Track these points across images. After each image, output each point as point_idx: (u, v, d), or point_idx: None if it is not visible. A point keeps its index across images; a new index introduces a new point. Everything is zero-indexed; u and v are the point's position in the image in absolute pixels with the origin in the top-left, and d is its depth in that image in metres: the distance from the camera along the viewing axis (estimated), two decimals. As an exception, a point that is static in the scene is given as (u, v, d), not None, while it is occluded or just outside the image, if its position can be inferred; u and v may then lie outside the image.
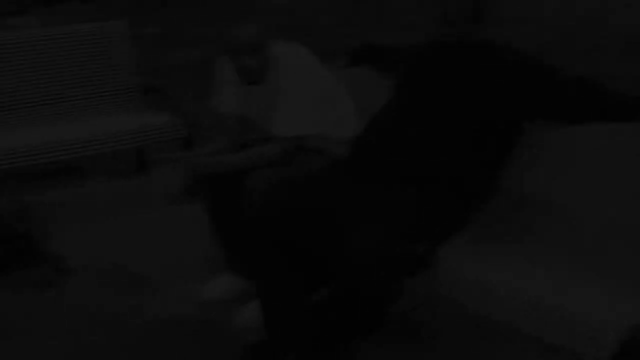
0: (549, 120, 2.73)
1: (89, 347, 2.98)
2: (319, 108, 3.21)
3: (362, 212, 2.61)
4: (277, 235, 2.69)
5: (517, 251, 2.57)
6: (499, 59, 2.79)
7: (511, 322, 2.34)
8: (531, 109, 2.72)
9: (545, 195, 2.71)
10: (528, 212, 2.72)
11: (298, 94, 3.17)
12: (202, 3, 11.30)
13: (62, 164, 4.43)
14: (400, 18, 9.07)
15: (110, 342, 3.01)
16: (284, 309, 2.72)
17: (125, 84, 4.68)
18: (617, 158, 2.58)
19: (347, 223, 2.56)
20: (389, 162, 2.76)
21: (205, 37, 8.34)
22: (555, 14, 9.49)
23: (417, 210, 2.60)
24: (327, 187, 2.80)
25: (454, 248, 2.60)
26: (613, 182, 2.56)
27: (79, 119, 4.47)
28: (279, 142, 3.16)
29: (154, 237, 3.90)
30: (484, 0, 2.85)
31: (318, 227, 2.67)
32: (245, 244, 2.91)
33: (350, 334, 2.65)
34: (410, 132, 2.78)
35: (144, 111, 4.64)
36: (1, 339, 3.05)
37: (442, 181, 2.68)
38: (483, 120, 2.71)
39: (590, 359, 2.13)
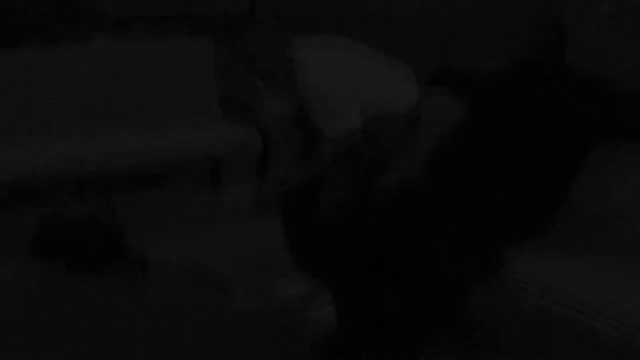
0: (617, 139, 2.99)
1: (167, 336, 3.27)
2: (361, 92, 3.38)
3: (440, 226, 2.88)
4: (357, 243, 2.96)
5: (578, 260, 2.85)
6: (571, 82, 3.07)
7: (586, 325, 2.59)
8: (600, 130, 2.97)
9: (608, 210, 2.96)
10: (587, 224, 2.99)
11: (333, 91, 3.33)
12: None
13: (145, 172, 4.81)
14: (479, 43, 9.33)
15: (188, 333, 3.29)
16: (360, 310, 2.97)
17: (208, 98, 5.01)
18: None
19: (427, 236, 2.84)
20: (462, 182, 3.04)
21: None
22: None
23: (489, 223, 2.88)
24: (410, 202, 3.05)
25: (521, 255, 2.86)
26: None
27: (164, 128, 4.77)
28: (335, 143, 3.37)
29: (232, 242, 4.21)
30: (561, 32, 3.14)
31: (399, 239, 2.92)
32: (322, 251, 3.20)
33: (419, 336, 2.92)
34: (481, 156, 3.07)
35: (225, 123, 4.95)
36: (84, 325, 3.36)
37: (508, 201, 2.95)
38: (551, 145, 2.98)
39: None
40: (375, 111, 3.40)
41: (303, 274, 3.60)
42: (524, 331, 3.24)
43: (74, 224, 3.86)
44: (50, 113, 4.61)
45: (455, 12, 11.20)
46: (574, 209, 3.04)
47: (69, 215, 3.89)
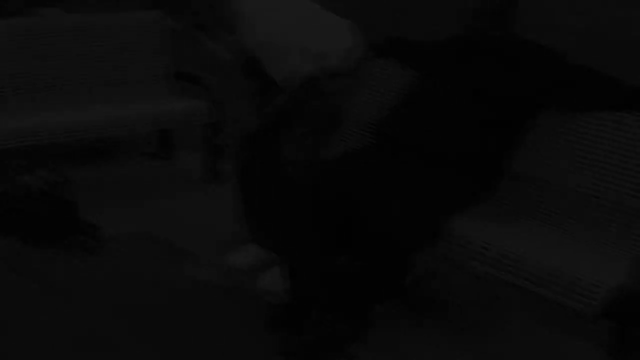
0: (561, 108, 3.13)
1: (125, 306, 3.35)
2: (304, 39, 3.42)
3: (391, 187, 3.01)
4: (312, 203, 3.07)
5: (519, 224, 3.02)
6: (519, 53, 3.21)
7: (515, 283, 2.73)
8: (547, 98, 3.12)
9: (544, 175, 3.13)
10: (529, 191, 3.15)
11: (280, 42, 3.38)
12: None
13: (94, 144, 4.84)
14: (425, 12, 9.48)
15: (145, 302, 3.38)
16: (311, 270, 3.08)
17: (157, 71, 5.06)
18: (613, 144, 2.99)
19: (377, 196, 2.95)
20: (413, 144, 3.17)
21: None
22: (579, 21, 9.84)
23: (440, 188, 3.01)
24: (360, 166, 3.18)
25: (467, 221, 2.99)
26: (607, 164, 2.98)
27: (112, 102, 4.82)
28: (288, 91, 3.40)
29: (184, 213, 4.30)
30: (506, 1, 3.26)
31: (352, 199, 3.01)
32: (275, 209, 3.33)
33: (369, 300, 3.03)
34: (433, 118, 3.19)
35: (174, 96, 5.01)
36: (44, 297, 3.42)
37: (460, 161, 3.08)
38: (500, 108, 3.12)
39: (582, 312, 2.53)
40: (323, 62, 3.46)
41: (254, 245, 3.71)
42: (468, 294, 3.40)
43: (27, 198, 3.92)
44: (1, 86, 4.65)
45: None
46: (517, 176, 3.19)
47: (22, 189, 3.94)
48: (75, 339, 3.10)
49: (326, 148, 3.55)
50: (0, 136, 4.23)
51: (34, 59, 4.74)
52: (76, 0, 6.83)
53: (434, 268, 3.40)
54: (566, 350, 3.08)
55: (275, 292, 3.27)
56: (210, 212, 4.25)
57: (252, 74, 3.59)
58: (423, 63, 3.51)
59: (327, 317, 2.98)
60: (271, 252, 3.58)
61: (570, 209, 3.02)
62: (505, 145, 3.18)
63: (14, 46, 4.69)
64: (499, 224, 3.00)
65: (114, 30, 5.01)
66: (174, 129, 5.12)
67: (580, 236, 2.94)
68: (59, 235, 3.86)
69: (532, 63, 3.18)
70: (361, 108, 3.77)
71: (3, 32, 4.68)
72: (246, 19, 3.38)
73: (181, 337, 3.12)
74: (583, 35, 8.81)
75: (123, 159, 5.22)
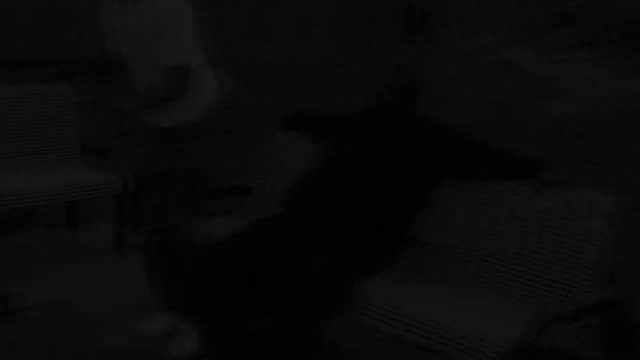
0: (459, 179, 3.41)
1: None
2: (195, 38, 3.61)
3: (305, 250, 3.19)
4: (228, 267, 3.22)
5: (425, 287, 3.23)
6: (422, 127, 3.51)
7: (419, 341, 2.92)
8: (447, 169, 3.40)
9: (445, 240, 3.39)
10: (436, 256, 3.40)
11: (179, 22, 3.57)
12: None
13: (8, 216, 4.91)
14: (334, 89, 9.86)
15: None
16: (228, 333, 3.21)
17: (66, 143, 5.15)
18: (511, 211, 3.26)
19: (292, 259, 3.13)
20: (321, 211, 3.38)
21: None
22: (477, 97, 10.38)
23: (348, 252, 3.21)
24: (271, 232, 3.36)
25: (377, 284, 3.18)
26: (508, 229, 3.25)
27: (19, 173, 4.86)
28: (168, 77, 3.56)
29: (93, 282, 4.34)
30: (414, 79, 3.57)
31: (266, 262, 3.19)
32: (190, 280, 3.46)
33: (286, 357, 3.17)
34: (341, 186, 3.42)
35: (81, 168, 5.09)
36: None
37: (366, 227, 3.30)
38: (404, 179, 3.38)
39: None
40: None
41: (166, 312, 3.80)
42: (372, 352, 3.58)
43: None
44: None
45: (313, 60, 11.72)
46: (424, 242, 3.43)
47: None
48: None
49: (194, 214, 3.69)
50: None
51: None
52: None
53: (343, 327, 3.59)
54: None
55: (186, 358, 3.38)
56: (120, 281, 4.31)
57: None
58: (331, 135, 3.74)
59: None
60: (183, 318, 3.69)
61: (475, 274, 3.27)
62: (409, 213, 3.41)
63: None
64: (401, 287, 3.19)
65: (23, 103, 5.08)
66: (82, 201, 5.19)
67: (484, 298, 3.16)
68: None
69: (433, 136, 3.47)
70: (272, 179, 3.97)
71: None
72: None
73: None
74: (482, 110, 9.33)
75: (33, 229, 5.25)
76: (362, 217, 3.33)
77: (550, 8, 15.60)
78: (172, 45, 3.55)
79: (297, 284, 3.04)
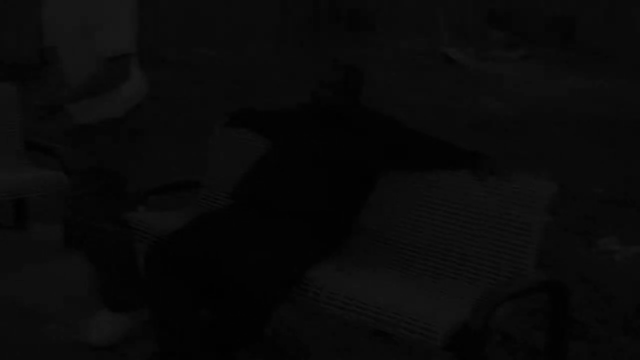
0: (400, 170, 3.56)
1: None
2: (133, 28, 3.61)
3: (248, 241, 3.32)
4: (176, 260, 3.31)
5: (370, 275, 3.37)
6: (361, 120, 3.63)
7: (367, 324, 3.05)
8: (389, 162, 3.55)
9: (384, 229, 3.55)
10: (379, 245, 3.55)
11: (119, 11, 3.54)
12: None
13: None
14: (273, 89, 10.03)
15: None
16: (179, 324, 3.29)
17: (10, 141, 5.17)
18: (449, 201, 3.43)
19: (236, 249, 3.25)
20: (266, 204, 3.50)
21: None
22: (411, 95, 10.62)
23: (293, 242, 3.33)
24: (217, 224, 3.47)
25: (320, 271, 3.31)
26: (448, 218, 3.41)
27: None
28: (105, 67, 3.53)
29: (42, 279, 4.42)
30: (347, 72, 3.69)
31: (212, 253, 3.31)
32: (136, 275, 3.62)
33: (232, 347, 3.29)
34: (285, 180, 3.53)
35: (27, 167, 5.12)
36: None
37: (309, 219, 3.42)
38: (344, 171, 3.52)
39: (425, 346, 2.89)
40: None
41: (112, 310, 3.85)
42: (322, 335, 3.73)
43: None
44: None
45: (251, 62, 11.85)
46: (359, 231, 3.59)
47: None
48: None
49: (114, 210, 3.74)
50: None
51: None
52: None
53: (294, 319, 3.72)
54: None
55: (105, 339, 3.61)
56: (70, 277, 4.38)
57: None
58: (273, 131, 3.87)
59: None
60: (127, 313, 3.77)
61: (419, 262, 3.43)
62: (347, 205, 3.56)
63: None
64: (347, 274, 3.34)
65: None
66: (28, 199, 5.22)
67: (429, 285, 3.31)
68: None
69: (372, 129, 3.60)
70: (216, 174, 4.08)
71: None
72: None
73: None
74: (416, 107, 9.58)
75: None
76: (299, 210, 3.46)
77: (486, 7, 16.02)
78: (113, 35, 3.54)
79: (242, 275, 3.14)
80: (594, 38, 15.87)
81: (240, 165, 3.86)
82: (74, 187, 3.72)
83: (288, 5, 13.28)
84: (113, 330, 3.76)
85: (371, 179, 3.60)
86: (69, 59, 3.67)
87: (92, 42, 3.53)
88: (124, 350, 3.63)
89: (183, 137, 8.00)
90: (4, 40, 8.04)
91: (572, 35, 16.34)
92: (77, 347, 3.68)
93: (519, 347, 3.78)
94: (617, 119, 10.00)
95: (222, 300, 3.20)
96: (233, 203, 3.66)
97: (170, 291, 3.31)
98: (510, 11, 16.28)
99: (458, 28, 14.63)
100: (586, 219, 5.98)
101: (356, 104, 3.72)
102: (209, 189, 4.11)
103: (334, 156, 3.55)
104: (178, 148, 7.57)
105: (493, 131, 8.92)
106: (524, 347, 3.78)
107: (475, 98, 10.62)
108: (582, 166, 7.63)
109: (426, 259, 3.41)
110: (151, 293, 3.38)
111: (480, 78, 11.94)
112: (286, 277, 3.22)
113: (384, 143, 3.57)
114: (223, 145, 4.16)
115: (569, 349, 3.33)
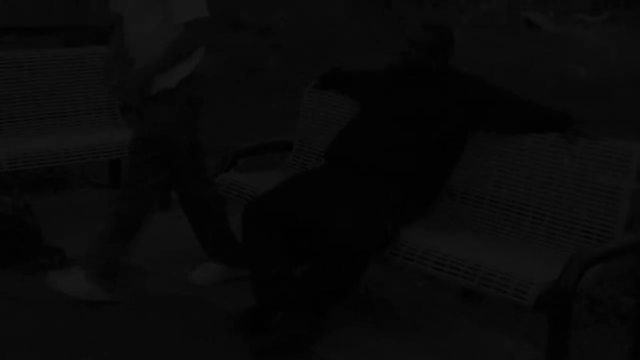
0: (490, 131, 3.62)
1: (91, 320, 3.67)
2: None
3: (342, 199, 3.45)
4: (272, 217, 3.48)
5: (457, 234, 3.50)
6: (451, 81, 3.71)
7: (459, 283, 3.17)
8: (478, 122, 3.62)
9: (474, 191, 3.65)
10: (465, 205, 3.66)
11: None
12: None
13: (47, 174, 5.16)
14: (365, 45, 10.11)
15: (109, 317, 3.69)
16: (274, 280, 3.47)
17: (102, 103, 5.38)
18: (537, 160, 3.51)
19: (331, 208, 3.38)
20: (360, 164, 3.62)
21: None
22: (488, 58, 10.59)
23: (385, 201, 3.45)
24: (313, 184, 3.63)
25: (414, 231, 3.44)
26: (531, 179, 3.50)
27: (64, 133, 5.09)
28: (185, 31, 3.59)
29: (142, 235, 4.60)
30: (439, 34, 3.76)
31: (308, 211, 3.47)
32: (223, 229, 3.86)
33: (324, 302, 3.44)
34: (376, 141, 3.64)
35: (123, 129, 5.31)
36: (12, 312, 3.74)
37: (401, 179, 3.53)
38: (434, 132, 3.60)
39: (517, 305, 3.00)
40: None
41: (214, 262, 4.06)
42: (412, 300, 3.85)
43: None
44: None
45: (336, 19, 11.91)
46: (451, 191, 3.69)
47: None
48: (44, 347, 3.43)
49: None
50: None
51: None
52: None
53: (381, 277, 3.85)
54: (507, 347, 3.53)
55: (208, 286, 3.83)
56: (167, 234, 4.57)
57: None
58: (363, 92, 3.98)
59: (290, 319, 3.37)
60: (231, 265, 3.96)
61: (509, 224, 3.51)
62: (439, 165, 3.64)
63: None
64: (439, 234, 3.46)
65: (61, 65, 5.31)
66: (123, 160, 5.42)
67: (519, 247, 3.40)
68: (24, 257, 4.16)
69: (462, 90, 3.66)
70: (307, 135, 4.21)
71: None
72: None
73: (150, 348, 3.46)
74: (495, 72, 9.57)
75: (73, 188, 5.52)
76: (389, 170, 3.56)
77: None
78: (187, 0, 3.60)
79: (335, 235, 3.28)
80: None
81: (330, 126, 4.00)
82: (134, 153, 3.83)
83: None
84: (210, 275, 4.04)
85: (461, 140, 3.68)
86: (134, 26, 3.73)
87: (159, 8, 3.61)
88: (221, 304, 3.80)
89: (261, 97, 8.15)
90: (89, 3, 8.25)
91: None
92: (179, 301, 3.88)
93: (607, 312, 3.84)
94: None
95: (317, 258, 3.35)
96: (326, 163, 3.80)
97: (266, 247, 3.49)
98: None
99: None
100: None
101: (446, 64, 3.78)
102: (299, 150, 4.25)
103: (429, 116, 3.62)
104: (258, 108, 7.73)
105: (575, 96, 8.84)
106: (612, 312, 3.84)
107: (557, 62, 10.50)
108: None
109: (517, 221, 3.50)
110: (248, 249, 3.56)
111: (562, 42, 11.77)
112: (380, 236, 3.34)
113: (471, 103, 3.62)
114: (313, 107, 4.29)
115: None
